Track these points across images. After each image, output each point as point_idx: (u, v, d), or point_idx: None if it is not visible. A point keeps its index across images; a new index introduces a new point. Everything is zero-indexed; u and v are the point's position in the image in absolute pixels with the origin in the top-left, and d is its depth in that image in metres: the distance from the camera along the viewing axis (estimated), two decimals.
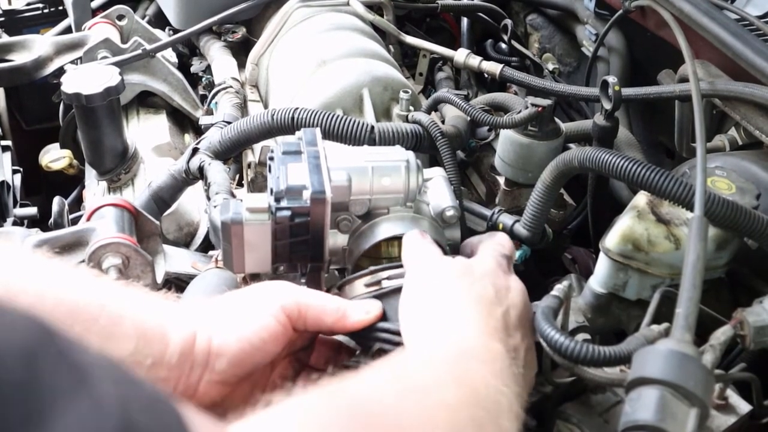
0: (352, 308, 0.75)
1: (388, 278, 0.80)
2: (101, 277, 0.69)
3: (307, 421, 0.51)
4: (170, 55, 1.68)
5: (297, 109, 1.09)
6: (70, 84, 1.31)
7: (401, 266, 0.80)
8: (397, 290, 0.77)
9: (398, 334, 0.73)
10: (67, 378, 0.32)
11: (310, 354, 0.79)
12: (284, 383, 0.74)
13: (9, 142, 1.59)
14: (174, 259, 1.13)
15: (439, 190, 0.91)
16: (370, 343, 0.75)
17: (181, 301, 0.76)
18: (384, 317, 0.76)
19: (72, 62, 1.58)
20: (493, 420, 0.60)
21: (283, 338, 0.71)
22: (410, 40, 1.55)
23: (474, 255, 0.82)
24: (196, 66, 1.68)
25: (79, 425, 0.31)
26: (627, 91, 1.22)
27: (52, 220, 1.15)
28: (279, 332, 0.70)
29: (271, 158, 0.84)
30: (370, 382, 0.59)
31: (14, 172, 1.51)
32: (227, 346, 0.68)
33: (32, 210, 1.39)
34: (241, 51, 1.66)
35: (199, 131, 1.49)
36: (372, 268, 0.82)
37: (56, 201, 1.16)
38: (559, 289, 0.79)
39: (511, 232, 1.07)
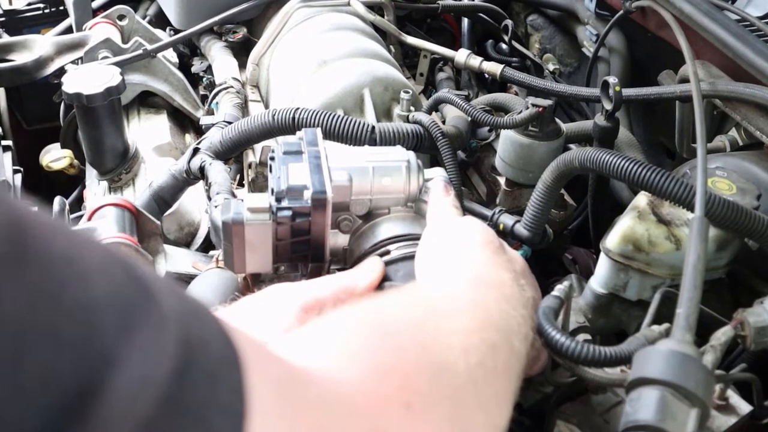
0: (357, 275, 0.78)
1: (396, 249, 0.83)
2: None
3: (333, 341, 0.55)
4: (171, 55, 1.68)
5: (298, 109, 1.09)
6: (70, 84, 1.31)
7: (410, 239, 0.83)
8: (405, 258, 0.81)
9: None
10: (137, 292, 0.34)
11: None
12: None
13: (10, 142, 1.58)
14: (175, 259, 1.13)
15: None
16: None
17: None
18: (388, 278, 0.79)
19: (73, 62, 1.58)
20: (505, 340, 0.64)
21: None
22: (411, 40, 1.55)
23: None
24: (196, 66, 1.68)
25: (152, 337, 0.33)
26: (627, 92, 1.22)
27: None
28: (295, 321, 0.72)
29: (272, 158, 0.84)
30: (395, 303, 0.64)
31: (15, 171, 1.51)
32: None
33: None
34: (242, 51, 1.66)
35: (199, 131, 1.49)
36: (380, 240, 0.84)
37: (57, 201, 1.16)
38: (559, 289, 0.79)
39: (511, 233, 1.07)
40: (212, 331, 0.38)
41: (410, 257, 0.81)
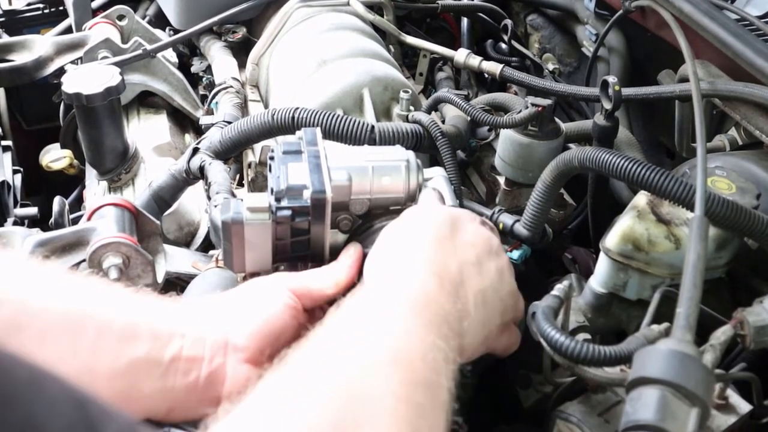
0: (338, 265, 0.79)
1: (379, 221, 0.83)
2: (111, 285, 0.73)
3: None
4: (171, 55, 1.68)
5: (297, 108, 1.09)
6: (70, 84, 1.31)
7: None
8: (379, 229, 0.81)
9: None
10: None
11: None
12: None
13: (9, 142, 1.59)
14: (174, 259, 1.13)
15: (439, 190, 0.92)
16: None
17: (184, 301, 0.78)
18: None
19: (72, 62, 1.58)
20: (432, 395, 0.60)
21: (296, 312, 0.74)
22: (410, 40, 1.55)
23: None
24: (196, 66, 1.68)
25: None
26: (627, 91, 1.22)
27: (52, 219, 1.16)
28: (291, 305, 0.74)
29: (272, 158, 0.84)
30: (318, 364, 0.59)
31: (15, 172, 1.51)
32: (241, 321, 0.71)
33: (33, 210, 1.39)
34: (241, 51, 1.66)
35: (199, 131, 1.49)
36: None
37: (57, 201, 1.16)
38: (559, 288, 0.79)
39: (511, 232, 1.07)
40: None
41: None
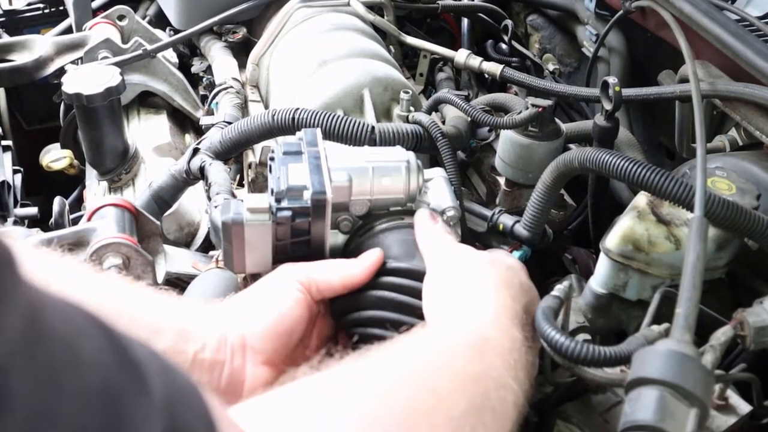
0: (354, 262, 0.79)
1: (379, 223, 0.84)
2: (136, 284, 0.74)
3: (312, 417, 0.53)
4: (171, 55, 1.68)
5: (297, 109, 1.09)
6: (70, 84, 1.31)
7: (396, 218, 0.84)
8: (389, 229, 0.82)
9: (405, 273, 0.78)
10: (128, 377, 0.34)
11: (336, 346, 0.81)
12: None
13: (9, 142, 1.59)
14: (174, 259, 1.13)
15: (439, 191, 0.92)
16: (379, 294, 0.78)
17: (204, 305, 0.79)
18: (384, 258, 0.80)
19: (73, 62, 1.58)
20: (497, 420, 0.61)
21: (307, 304, 0.75)
22: (411, 40, 1.55)
23: None
24: (196, 66, 1.68)
25: (141, 428, 0.33)
26: (627, 92, 1.22)
27: (52, 220, 1.16)
28: (302, 299, 0.74)
29: (272, 158, 0.84)
30: (384, 379, 0.60)
31: (15, 172, 1.51)
32: (257, 323, 0.71)
33: (33, 210, 1.39)
34: (241, 51, 1.66)
35: (199, 131, 1.50)
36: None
37: (57, 201, 1.16)
38: (559, 289, 0.79)
39: (511, 233, 1.07)
40: (198, 418, 0.38)
41: (394, 228, 0.83)
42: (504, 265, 0.78)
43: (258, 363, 0.70)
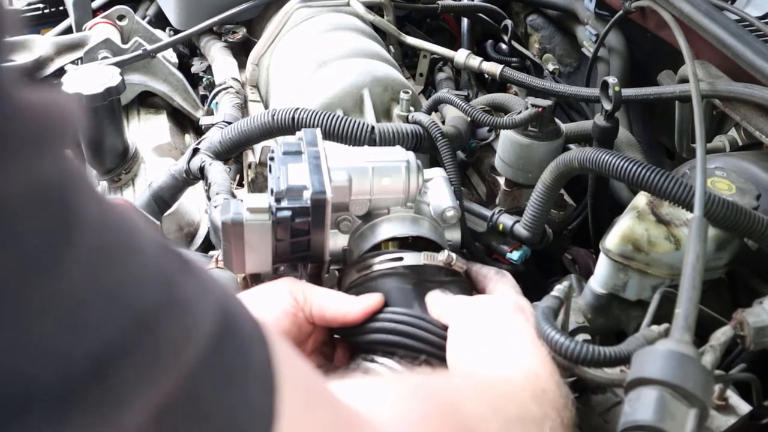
0: (352, 301, 0.78)
1: (379, 263, 0.82)
2: None
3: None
4: (171, 55, 1.68)
5: (297, 109, 1.09)
6: (70, 84, 1.31)
7: (394, 252, 0.83)
8: (392, 272, 0.81)
9: (403, 321, 0.76)
10: (178, 261, 0.36)
11: (334, 350, 0.81)
12: None
13: None
14: None
15: (439, 191, 0.92)
16: (372, 336, 0.77)
17: None
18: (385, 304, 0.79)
19: (72, 62, 1.58)
20: None
21: (295, 318, 0.74)
22: (410, 40, 1.55)
23: (485, 290, 0.85)
24: (196, 66, 1.68)
25: (195, 300, 0.35)
26: (627, 92, 1.22)
27: None
28: (290, 312, 0.74)
29: (272, 158, 0.84)
30: (464, 391, 0.60)
31: None
32: None
33: None
34: (241, 51, 1.66)
35: (199, 131, 1.50)
36: (364, 254, 0.83)
37: None
38: (559, 289, 0.79)
39: (511, 233, 1.07)
40: (242, 309, 0.40)
41: (390, 274, 0.82)
42: (527, 313, 0.76)
43: None
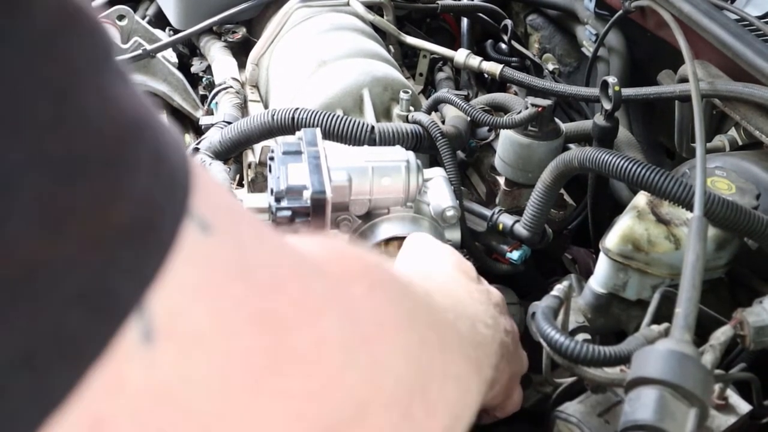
0: None
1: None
2: None
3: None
4: (170, 55, 1.68)
5: (297, 109, 1.09)
6: None
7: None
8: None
9: None
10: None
11: None
12: None
13: None
14: None
15: (439, 190, 0.92)
16: None
17: None
18: None
19: None
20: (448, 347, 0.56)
21: None
22: (410, 40, 1.55)
23: None
24: (196, 66, 1.68)
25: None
26: (627, 92, 1.22)
27: None
28: None
29: (272, 158, 0.84)
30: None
31: None
32: None
33: None
34: (241, 51, 1.66)
35: (199, 131, 1.49)
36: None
37: None
38: (559, 289, 0.79)
39: (511, 232, 1.07)
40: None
41: None
42: (465, 265, 0.78)
43: None
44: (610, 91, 1.07)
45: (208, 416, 0.33)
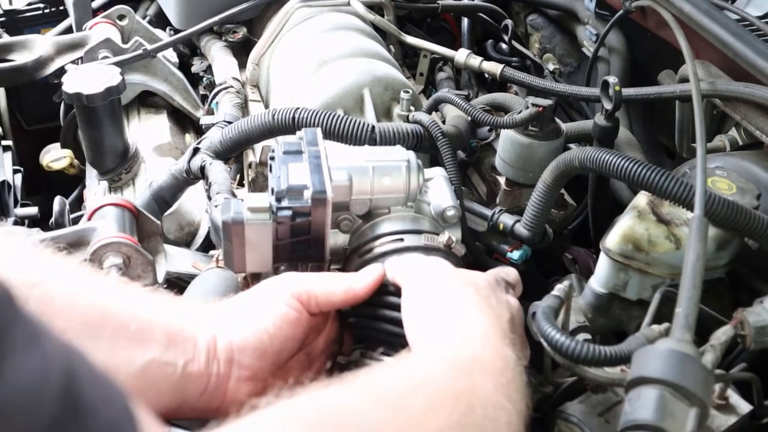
0: (356, 276, 0.78)
1: (380, 245, 0.83)
2: (130, 284, 0.73)
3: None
4: (171, 55, 1.68)
5: (298, 109, 1.09)
6: (71, 84, 1.31)
7: (395, 234, 0.83)
8: (392, 251, 0.81)
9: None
10: (22, 334, 0.36)
11: (342, 347, 0.81)
12: (320, 377, 0.74)
13: (10, 142, 1.59)
14: (175, 259, 1.13)
15: (439, 190, 0.92)
16: (375, 323, 0.78)
17: (198, 304, 0.78)
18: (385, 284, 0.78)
19: (73, 62, 1.58)
20: None
21: (299, 323, 0.73)
22: (411, 40, 1.55)
23: None
24: (196, 66, 1.68)
25: (28, 371, 0.35)
26: (627, 92, 1.22)
27: (52, 219, 1.16)
28: (294, 317, 0.72)
29: (272, 158, 0.84)
30: (360, 397, 0.58)
31: (15, 171, 1.51)
32: (246, 339, 0.70)
33: (33, 210, 1.39)
34: (241, 51, 1.66)
35: (199, 131, 1.50)
36: (366, 241, 0.84)
37: (57, 201, 1.16)
38: (559, 289, 0.80)
39: (511, 232, 1.07)
40: (113, 396, 0.40)
41: (396, 250, 0.82)
42: (480, 283, 0.76)
43: (243, 378, 0.69)
44: (611, 91, 1.07)
45: None
